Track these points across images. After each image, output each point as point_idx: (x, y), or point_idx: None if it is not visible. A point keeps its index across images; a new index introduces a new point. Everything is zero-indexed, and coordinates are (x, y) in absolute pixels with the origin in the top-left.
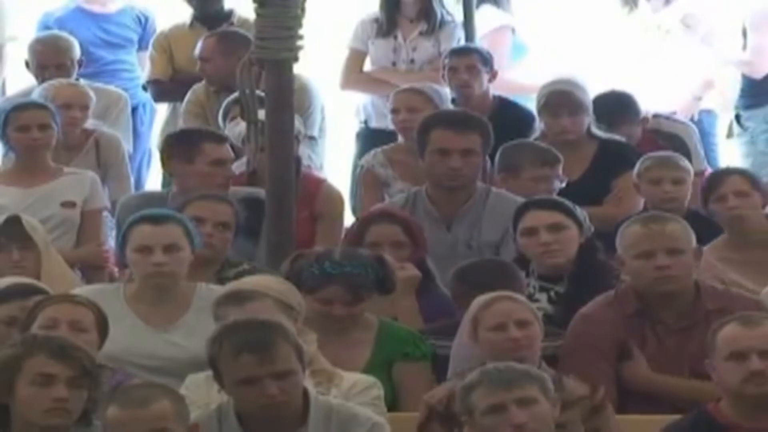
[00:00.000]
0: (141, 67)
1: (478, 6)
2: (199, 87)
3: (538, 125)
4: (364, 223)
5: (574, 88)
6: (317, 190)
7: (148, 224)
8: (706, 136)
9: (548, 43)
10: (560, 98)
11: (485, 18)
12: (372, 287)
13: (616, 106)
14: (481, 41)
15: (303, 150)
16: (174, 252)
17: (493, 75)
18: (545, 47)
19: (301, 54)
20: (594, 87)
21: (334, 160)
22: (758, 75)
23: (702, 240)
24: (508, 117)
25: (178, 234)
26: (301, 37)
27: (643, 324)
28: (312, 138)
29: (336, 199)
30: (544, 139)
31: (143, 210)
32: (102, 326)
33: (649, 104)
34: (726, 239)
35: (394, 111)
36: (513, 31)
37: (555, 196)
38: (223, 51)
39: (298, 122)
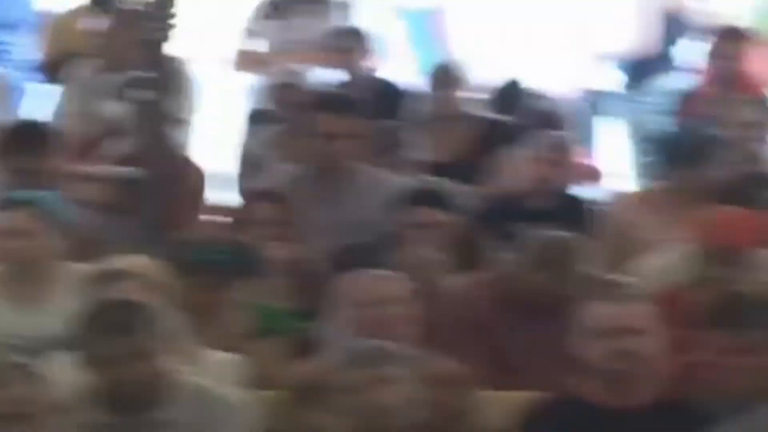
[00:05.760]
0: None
1: None
2: (85, 63)
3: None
4: (246, 204)
5: (451, 63)
6: (185, 169)
7: None
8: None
9: None
10: (441, 73)
11: None
12: (235, 273)
13: (513, 92)
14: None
15: (175, 132)
16: (20, 237)
17: (375, 56)
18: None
19: (172, 33)
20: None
21: (222, 142)
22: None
23: (577, 223)
24: (390, 96)
25: (22, 219)
26: (172, 16)
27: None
28: (184, 121)
29: (200, 177)
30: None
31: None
32: None
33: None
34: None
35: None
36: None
37: (434, 189)
38: (115, 28)
39: (174, 103)
